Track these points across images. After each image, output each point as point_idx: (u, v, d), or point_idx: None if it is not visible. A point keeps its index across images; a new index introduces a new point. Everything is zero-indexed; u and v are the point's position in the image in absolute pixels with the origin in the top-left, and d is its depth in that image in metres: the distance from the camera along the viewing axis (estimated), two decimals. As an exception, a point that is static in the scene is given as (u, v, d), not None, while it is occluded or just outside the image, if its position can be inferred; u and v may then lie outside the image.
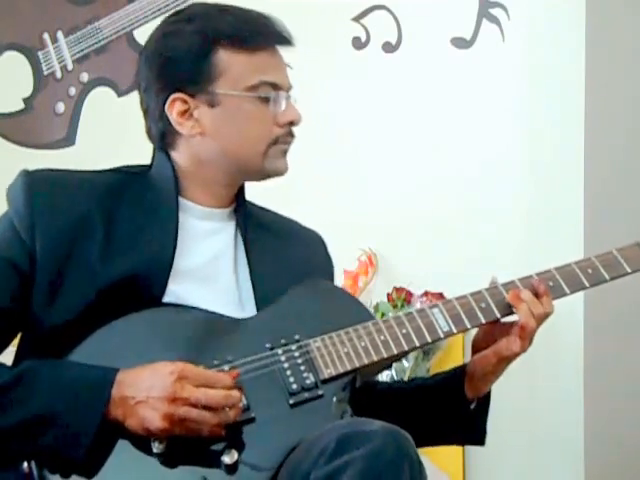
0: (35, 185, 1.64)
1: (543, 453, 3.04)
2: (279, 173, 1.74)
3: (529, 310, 1.70)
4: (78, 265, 1.61)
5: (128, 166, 1.77)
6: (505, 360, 1.74)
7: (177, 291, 1.65)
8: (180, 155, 1.72)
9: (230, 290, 1.71)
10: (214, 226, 1.74)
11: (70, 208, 1.64)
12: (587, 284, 1.76)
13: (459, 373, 1.79)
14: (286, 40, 1.72)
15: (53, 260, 1.60)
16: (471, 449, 3.03)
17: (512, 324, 1.72)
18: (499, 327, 1.75)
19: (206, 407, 1.49)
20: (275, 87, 1.69)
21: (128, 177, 1.73)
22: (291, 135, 1.73)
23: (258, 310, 1.69)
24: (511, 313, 1.73)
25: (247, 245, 1.73)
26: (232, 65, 1.68)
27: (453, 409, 1.78)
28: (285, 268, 1.75)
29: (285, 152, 1.73)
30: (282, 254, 1.78)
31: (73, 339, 1.57)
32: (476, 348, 1.79)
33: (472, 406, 1.78)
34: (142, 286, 1.62)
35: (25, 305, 1.60)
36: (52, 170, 1.71)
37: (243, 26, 1.69)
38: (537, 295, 1.72)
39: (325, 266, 1.87)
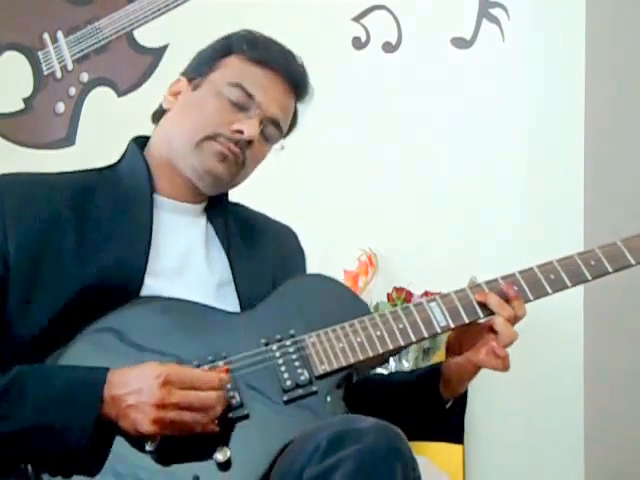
0: (5, 189, 1.65)
1: (543, 453, 3.03)
2: (211, 174, 1.72)
3: (504, 322, 1.66)
4: (52, 266, 1.61)
5: (99, 168, 1.78)
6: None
7: (153, 286, 1.65)
8: (154, 137, 1.79)
9: (205, 284, 1.71)
10: (185, 220, 1.75)
11: (41, 210, 1.64)
12: (589, 277, 1.72)
13: (435, 373, 1.75)
14: (295, 79, 1.80)
15: (27, 262, 1.60)
16: (471, 449, 3.02)
17: (486, 326, 1.68)
18: (473, 327, 1.70)
19: (197, 409, 1.48)
20: (250, 98, 1.73)
21: (99, 175, 1.75)
22: (235, 144, 1.72)
23: (241, 306, 1.69)
24: None
25: (225, 241, 1.74)
26: (232, 65, 1.77)
27: (429, 408, 1.75)
28: (262, 264, 1.76)
29: (220, 154, 1.71)
30: (258, 249, 1.79)
31: (52, 341, 1.56)
32: (450, 350, 1.75)
33: (448, 405, 1.75)
34: (119, 283, 1.62)
35: (2, 308, 1.59)
36: (21, 174, 1.71)
37: (262, 45, 1.79)
38: (507, 300, 1.68)
39: (298, 258, 1.90)
